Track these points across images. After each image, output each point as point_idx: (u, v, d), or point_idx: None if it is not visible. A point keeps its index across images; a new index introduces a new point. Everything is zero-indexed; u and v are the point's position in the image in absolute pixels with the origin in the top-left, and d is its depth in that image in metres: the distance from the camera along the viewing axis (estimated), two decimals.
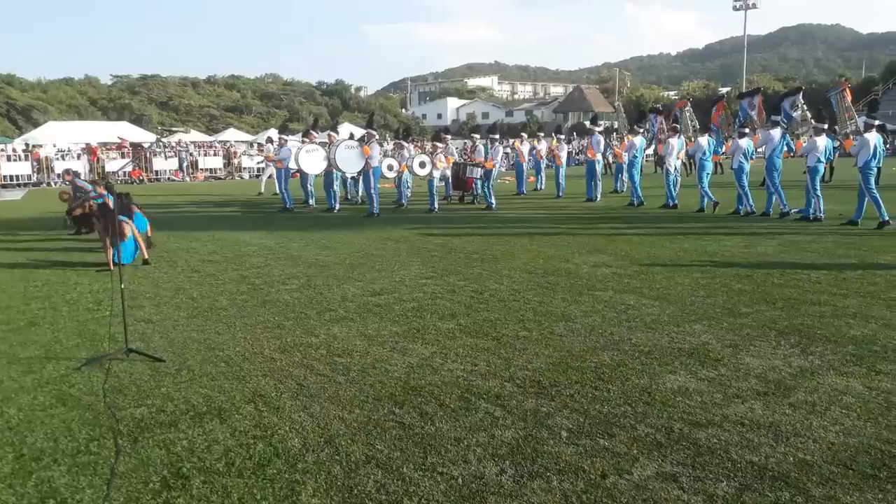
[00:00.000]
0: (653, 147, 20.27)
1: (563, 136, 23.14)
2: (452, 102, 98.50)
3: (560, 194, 19.02)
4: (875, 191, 11.57)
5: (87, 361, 5.09)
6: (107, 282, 7.71)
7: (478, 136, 17.72)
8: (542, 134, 24.37)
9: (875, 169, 11.77)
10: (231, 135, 47.87)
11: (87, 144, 32.35)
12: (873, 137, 11.59)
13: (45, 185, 30.20)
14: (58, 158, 32.24)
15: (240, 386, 4.55)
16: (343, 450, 3.59)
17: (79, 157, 32.39)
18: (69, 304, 6.97)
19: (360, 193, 18.34)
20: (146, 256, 9.17)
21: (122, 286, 5.42)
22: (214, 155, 35.30)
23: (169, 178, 32.39)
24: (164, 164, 32.51)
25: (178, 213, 15.03)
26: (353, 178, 17.67)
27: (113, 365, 4.99)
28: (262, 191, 22.30)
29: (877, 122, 12.03)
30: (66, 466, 3.51)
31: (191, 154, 34.11)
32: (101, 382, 4.65)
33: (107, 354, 5.19)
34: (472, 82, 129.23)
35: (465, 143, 33.86)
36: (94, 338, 5.76)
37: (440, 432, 3.78)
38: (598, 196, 17.75)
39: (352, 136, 17.26)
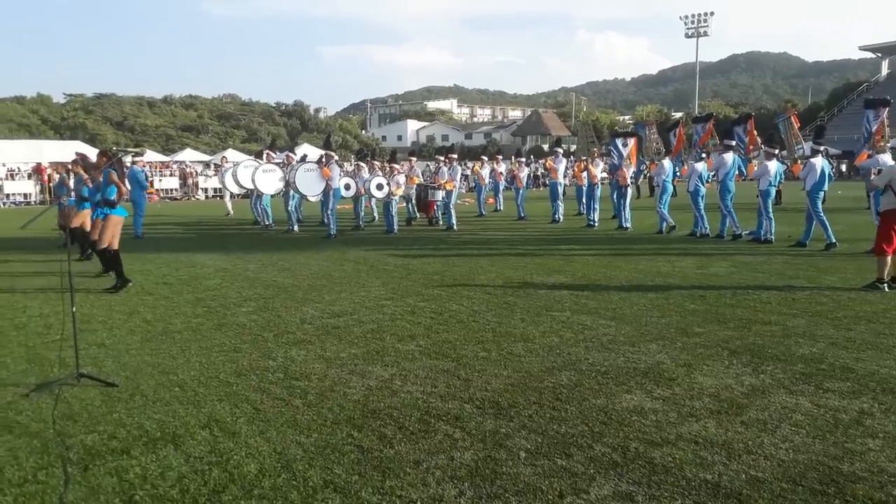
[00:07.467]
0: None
1: (523, 159, 23.42)
2: (412, 124, 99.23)
3: (522, 215, 19.20)
4: (822, 214, 11.94)
5: (36, 387, 4.95)
6: (57, 305, 7.52)
7: (442, 157, 17.82)
8: (501, 157, 24.59)
9: (822, 193, 12.15)
10: (188, 155, 47.39)
11: (37, 164, 31.63)
12: (820, 162, 11.98)
13: None
14: (6, 178, 31.43)
15: (194, 411, 4.47)
16: (300, 475, 3.55)
17: (29, 176, 31.65)
18: (17, 328, 6.77)
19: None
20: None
21: (74, 309, 5.29)
22: (171, 175, 34.84)
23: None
24: None
25: (132, 234, 14.71)
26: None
27: (63, 391, 4.86)
28: (231, 211, 22.28)
29: (822, 148, 12.44)
30: (13, 497, 3.39)
31: (146, 175, 33.64)
32: (50, 409, 4.52)
33: (57, 380, 5.05)
34: (432, 105, 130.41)
35: (427, 164, 34.05)
36: (44, 363, 5.60)
37: (399, 455, 3.77)
38: (561, 217, 17.97)
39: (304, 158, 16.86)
